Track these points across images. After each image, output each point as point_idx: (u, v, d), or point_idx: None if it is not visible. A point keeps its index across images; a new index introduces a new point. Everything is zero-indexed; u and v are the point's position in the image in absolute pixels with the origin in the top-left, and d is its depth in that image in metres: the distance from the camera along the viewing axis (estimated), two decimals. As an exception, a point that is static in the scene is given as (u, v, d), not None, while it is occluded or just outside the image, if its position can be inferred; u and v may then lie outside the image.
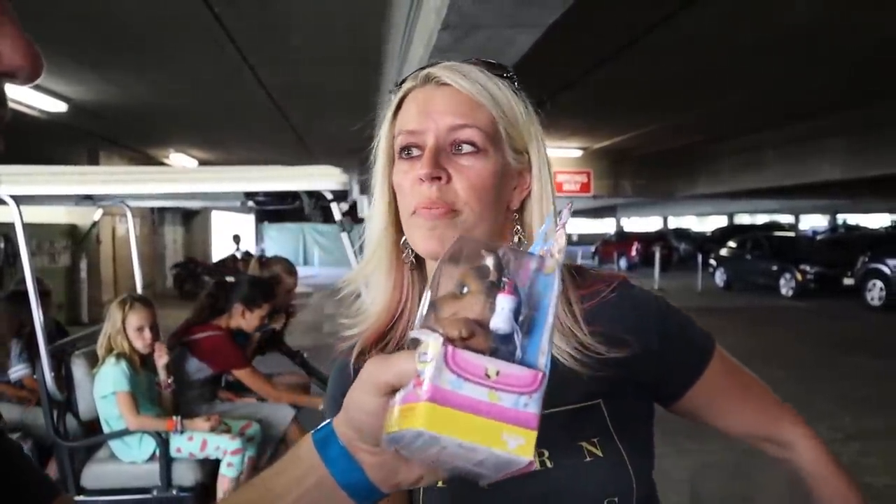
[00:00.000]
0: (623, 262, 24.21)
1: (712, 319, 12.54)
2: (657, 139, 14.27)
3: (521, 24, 3.43)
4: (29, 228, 3.17)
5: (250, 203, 3.37)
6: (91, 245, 12.08)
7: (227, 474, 3.18)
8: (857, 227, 32.50)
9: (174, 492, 3.18)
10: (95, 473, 3.22)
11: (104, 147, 12.93)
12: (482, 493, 0.84)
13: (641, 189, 18.28)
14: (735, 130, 13.32)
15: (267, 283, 3.85)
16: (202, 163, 16.35)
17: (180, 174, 4.39)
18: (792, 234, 24.05)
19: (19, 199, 3.09)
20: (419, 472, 0.61)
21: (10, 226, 3.12)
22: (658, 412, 0.97)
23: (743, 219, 39.13)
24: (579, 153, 16.20)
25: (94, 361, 3.26)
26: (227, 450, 3.19)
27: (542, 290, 0.56)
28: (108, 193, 3.48)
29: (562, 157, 15.84)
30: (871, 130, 12.46)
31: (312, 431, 0.65)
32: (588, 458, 0.84)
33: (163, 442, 3.14)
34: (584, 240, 33.98)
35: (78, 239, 11.64)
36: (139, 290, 4.08)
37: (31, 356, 3.78)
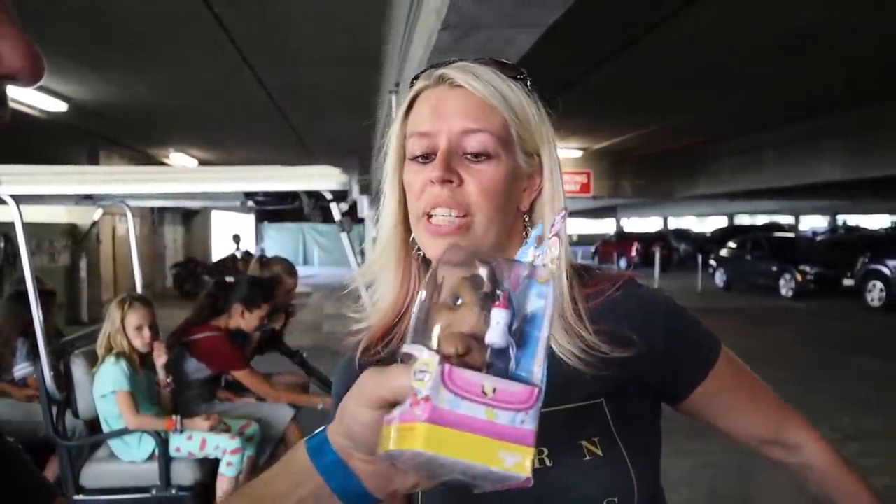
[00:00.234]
0: (623, 263, 24.22)
1: (712, 320, 12.41)
2: (657, 140, 14.27)
3: (521, 24, 3.43)
4: (29, 228, 3.17)
5: (250, 203, 3.37)
6: (91, 244, 12.08)
7: (226, 473, 3.18)
8: (857, 228, 32.47)
9: (173, 491, 3.18)
10: (95, 472, 3.22)
11: (104, 147, 12.94)
12: (482, 492, 0.84)
13: (641, 189, 18.29)
14: (735, 131, 13.32)
15: (266, 283, 3.85)
16: (202, 162, 16.35)
17: (180, 174, 4.40)
18: (792, 234, 24.07)
19: (19, 199, 3.09)
20: (415, 480, 0.61)
21: (10, 225, 3.12)
22: (663, 411, 0.96)
23: (743, 219, 39.13)
24: (579, 153, 16.21)
25: (93, 361, 3.26)
26: (226, 449, 3.19)
27: (536, 300, 0.55)
28: (107, 193, 3.49)
29: (562, 157, 15.51)
30: (871, 131, 12.46)
31: (306, 438, 0.65)
32: (588, 458, 0.84)
33: (162, 441, 3.14)
34: (584, 240, 33.95)
35: (78, 238, 11.64)
36: (139, 289, 4.09)
37: (35, 355, 3.78)
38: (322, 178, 3.06)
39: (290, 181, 3.13)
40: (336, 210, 3.12)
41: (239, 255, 15.34)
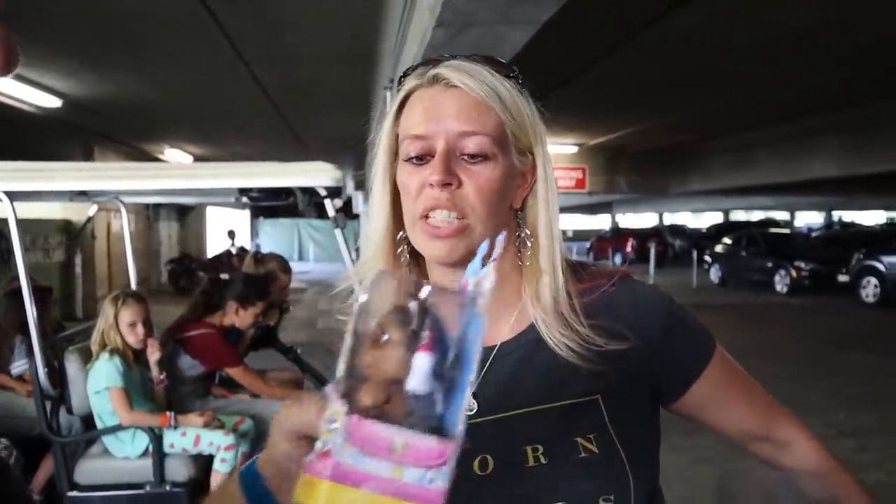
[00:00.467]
0: (618, 259, 24.24)
1: (707, 316, 12.45)
2: (652, 136, 14.29)
3: (516, 21, 3.42)
4: (23, 224, 3.16)
5: (244, 199, 3.36)
6: (86, 241, 12.04)
7: (220, 470, 3.18)
8: (852, 224, 32.62)
9: (167, 487, 3.18)
10: (88, 469, 3.22)
11: (99, 143, 12.89)
12: (475, 489, 0.84)
13: (637, 185, 18.30)
14: (730, 128, 13.34)
15: (261, 280, 3.84)
16: (197, 158, 16.31)
17: (174, 170, 4.39)
18: (787, 230, 24.13)
19: (13, 196, 3.08)
20: None
21: (4, 222, 3.12)
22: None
23: (738, 215, 39.24)
24: (575, 149, 16.21)
25: (87, 357, 3.25)
26: (220, 445, 3.19)
27: (469, 333, 0.52)
28: (102, 189, 3.48)
29: (557, 153, 15.84)
30: (865, 129, 12.50)
31: (242, 467, 0.64)
32: (583, 455, 0.83)
33: (156, 438, 3.14)
34: (579, 236, 34.02)
35: (72, 235, 11.60)
36: (133, 285, 4.08)
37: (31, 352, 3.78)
38: (316, 174, 3.06)
39: (284, 177, 3.12)
40: (330, 206, 3.12)
41: (234, 251, 15.34)
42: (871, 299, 13.31)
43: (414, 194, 0.85)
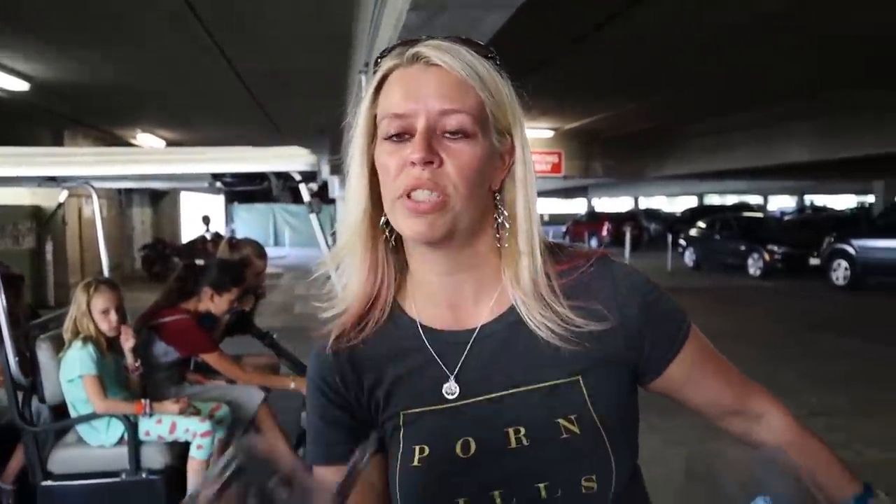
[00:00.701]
0: (594, 242, 24.38)
1: (682, 298, 12.52)
2: (628, 120, 14.33)
3: (492, 4, 3.41)
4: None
5: (218, 184, 3.32)
6: (56, 227, 11.85)
7: (196, 457, 3.16)
8: (823, 209, 33.09)
9: (143, 475, 3.16)
10: (63, 458, 3.18)
11: (68, 127, 12.66)
12: (458, 471, 0.84)
13: (612, 170, 18.37)
14: (704, 113, 13.42)
15: (236, 266, 3.81)
16: (170, 143, 16.10)
17: (146, 155, 4.32)
18: (760, 214, 24.40)
19: (-21, 180, 3.02)
20: None
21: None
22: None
23: (712, 199, 39.61)
24: (550, 134, 16.22)
25: (59, 345, 3.21)
26: (196, 432, 3.17)
27: None
28: (72, 175, 3.42)
29: (533, 137, 15.83)
30: (838, 114, 12.65)
31: None
32: (565, 436, 0.84)
33: (131, 425, 3.12)
34: (555, 220, 34.14)
35: (43, 221, 11.41)
36: (106, 272, 4.02)
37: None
38: (290, 158, 3.03)
39: (258, 162, 3.09)
40: (305, 191, 3.09)
41: (208, 236, 15.21)
42: (841, 282, 13.52)
43: (394, 174, 0.84)
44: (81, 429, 3.20)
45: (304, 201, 3.12)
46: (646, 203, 42.43)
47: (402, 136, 0.84)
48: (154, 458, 3.18)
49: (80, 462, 3.19)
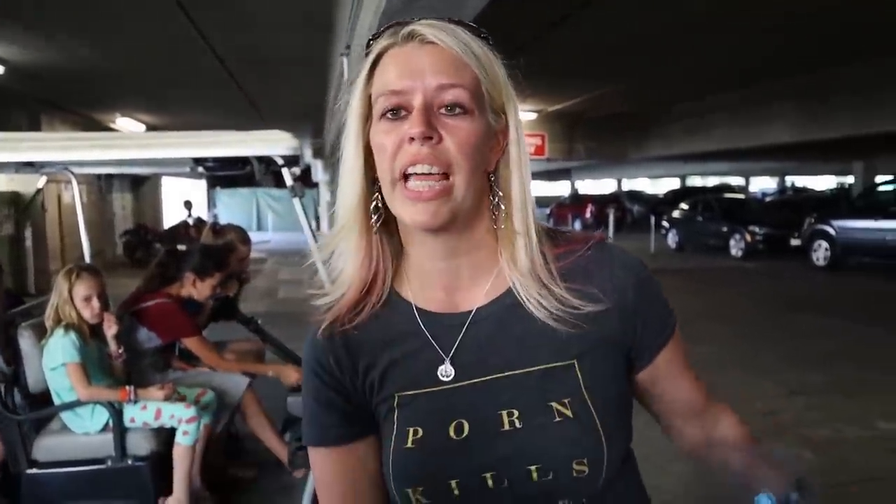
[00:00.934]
0: (577, 225, 24.46)
1: (665, 280, 12.64)
2: (610, 102, 14.35)
3: (474, -14, 3.39)
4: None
5: (199, 169, 3.29)
6: (36, 213, 11.71)
7: (182, 442, 3.16)
8: (804, 190, 33.37)
9: (129, 461, 3.15)
10: (47, 446, 3.17)
11: (46, 111, 12.49)
12: (451, 453, 0.85)
13: (595, 152, 18.39)
14: (686, 94, 13.47)
15: (218, 251, 3.79)
16: (150, 128, 15.93)
17: (126, 140, 4.27)
18: (742, 196, 24.56)
19: (-44, 167, 2.97)
20: None
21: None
22: None
23: (695, 181, 39.77)
24: (533, 116, 16.21)
25: (41, 333, 3.18)
26: (182, 418, 3.16)
27: None
28: (50, 160, 3.37)
29: (517, 120, 15.76)
30: (819, 96, 12.70)
31: None
32: (558, 419, 0.84)
33: (116, 412, 3.10)
34: (538, 202, 33.60)
35: (21, 207, 11.26)
36: (87, 258, 3.99)
37: None
38: (273, 143, 3.00)
39: (240, 146, 3.06)
40: (288, 175, 3.07)
41: (191, 221, 15.07)
42: (821, 262, 13.66)
43: (391, 152, 0.83)
44: (66, 416, 3.18)
45: (286, 186, 3.10)
46: (629, 185, 42.51)
47: (398, 113, 0.83)
48: (139, 445, 3.17)
49: (64, 449, 3.18)
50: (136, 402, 3.12)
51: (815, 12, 7.34)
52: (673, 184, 39.60)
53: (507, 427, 0.85)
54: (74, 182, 4.05)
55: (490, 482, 0.84)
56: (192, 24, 7.23)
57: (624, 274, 0.91)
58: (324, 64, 9.19)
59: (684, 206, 18.83)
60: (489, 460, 0.84)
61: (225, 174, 3.45)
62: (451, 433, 0.86)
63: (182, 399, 3.26)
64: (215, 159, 3.17)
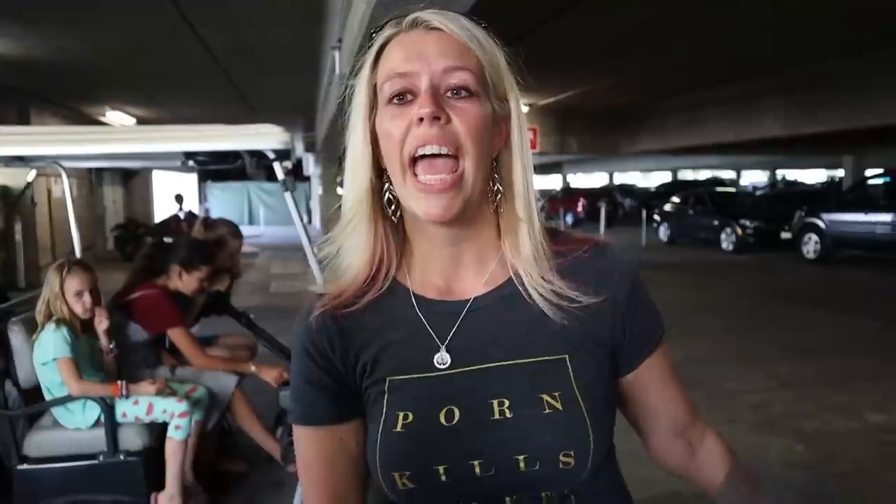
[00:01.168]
0: (569, 218, 24.50)
1: (657, 273, 12.83)
2: (603, 96, 14.35)
3: (467, -22, 3.38)
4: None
5: (190, 163, 3.27)
6: (26, 207, 11.64)
7: (175, 437, 3.15)
8: (795, 183, 33.49)
9: (121, 456, 3.14)
10: (39, 441, 3.16)
11: (35, 105, 12.40)
12: (440, 439, 0.86)
13: (587, 145, 18.42)
14: (680, 87, 13.47)
15: (205, 244, 3.77)
16: (140, 121, 15.84)
17: (116, 133, 4.24)
18: (733, 189, 24.64)
19: (-56, 161, 2.95)
20: None
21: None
22: None
23: (686, 174, 39.87)
24: (525, 109, 16.19)
25: (32, 328, 3.17)
26: (174, 413, 3.15)
27: None
28: (40, 154, 3.35)
29: (509, 113, 15.75)
30: (810, 89, 12.75)
31: None
32: (547, 411, 0.85)
33: (108, 407, 3.09)
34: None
35: (10, 201, 11.19)
36: (78, 253, 3.97)
37: None
38: (264, 137, 2.99)
39: (231, 140, 3.05)
40: (279, 169, 3.06)
41: (182, 215, 15.02)
42: (811, 255, 13.72)
43: (400, 137, 0.83)
44: (57, 412, 3.17)
45: (278, 179, 3.09)
46: (620, 179, 42.61)
47: (404, 97, 0.84)
48: (132, 440, 3.16)
49: (56, 445, 3.17)
50: (127, 396, 3.12)
51: (805, 7, 7.36)
52: (664, 177, 39.74)
53: (497, 416, 0.85)
54: (64, 176, 4.03)
55: (477, 469, 0.84)
56: (182, 16, 7.19)
57: (619, 279, 0.93)
58: (315, 57, 9.16)
59: (676, 199, 18.87)
60: (478, 448, 0.85)
61: (216, 168, 3.44)
62: (442, 419, 0.86)
63: (173, 394, 3.25)
64: (207, 153, 3.15)
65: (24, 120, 11.94)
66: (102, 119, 15.15)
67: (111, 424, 3.11)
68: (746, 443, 4.30)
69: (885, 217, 12.14)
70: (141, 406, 3.15)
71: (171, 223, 14.86)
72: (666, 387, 0.98)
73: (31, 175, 4.55)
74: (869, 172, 17.73)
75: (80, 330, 3.17)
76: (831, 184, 29.58)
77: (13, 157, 3.30)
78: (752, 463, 0.93)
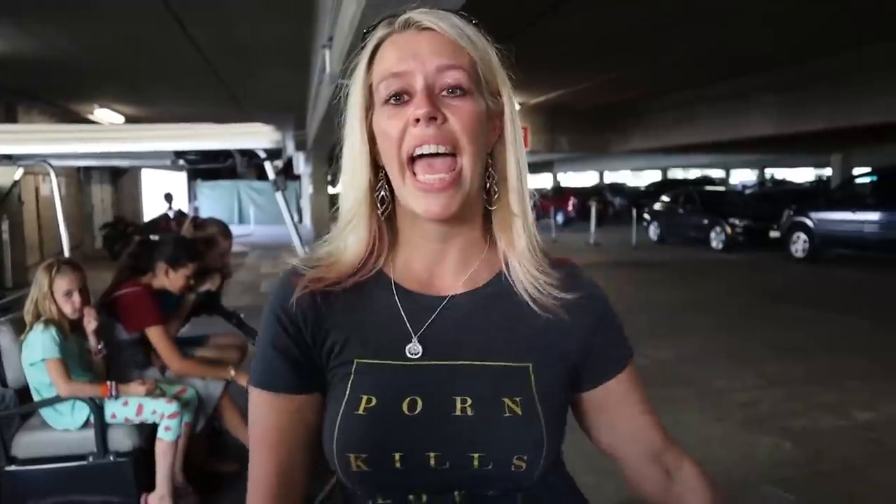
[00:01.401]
0: (560, 217, 24.53)
1: (647, 272, 12.90)
2: (593, 94, 14.40)
3: (457, -22, 3.38)
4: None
5: (181, 162, 3.26)
6: (13, 206, 11.55)
7: (164, 438, 3.13)
8: (783, 182, 33.68)
9: (111, 458, 3.12)
10: (27, 442, 3.13)
11: (22, 103, 12.31)
12: (400, 427, 0.87)
13: (578, 144, 18.48)
14: (670, 86, 13.53)
15: (191, 241, 3.74)
16: (129, 119, 15.75)
17: (106, 132, 4.22)
18: (722, 188, 24.74)
19: (-69, 160, 2.92)
20: None
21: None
22: None
23: (676, 173, 40.03)
24: (516, 108, 16.22)
25: (20, 328, 3.14)
26: (164, 413, 3.13)
27: None
28: (28, 153, 3.33)
29: (499, 112, 15.77)
30: (799, 88, 12.82)
31: None
32: (507, 414, 0.87)
33: (97, 408, 3.07)
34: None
35: (-2, 200, 11.10)
36: (66, 252, 3.94)
37: None
38: (255, 136, 2.99)
39: (222, 139, 3.04)
40: (270, 169, 3.06)
41: (171, 214, 14.95)
42: (800, 254, 13.80)
43: (397, 137, 0.85)
44: (46, 413, 3.14)
45: (268, 178, 3.09)
46: (611, 177, 42.73)
47: (400, 98, 0.85)
48: (121, 441, 3.14)
49: (45, 446, 3.14)
50: (117, 397, 3.10)
51: (795, 6, 7.40)
52: (654, 176, 39.88)
53: (458, 412, 0.87)
54: (53, 174, 3.99)
55: (432, 461, 0.86)
56: (172, 14, 7.16)
57: (588, 302, 0.96)
58: (305, 56, 9.14)
59: (665, 198, 18.93)
60: (436, 441, 0.86)
61: (207, 167, 3.43)
62: (405, 408, 0.87)
63: (163, 395, 3.23)
64: (197, 152, 3.15)
65: (11, 118, 11.85)
66: (91, 117, 15.06)
67: (101, 425, 3.09)
68: (735, 441, 4.32)
69: (873, 216, 12.21)
70: (130, 407, 3.13)
71: (161, 222, 14.78)
72: (635, 407, 0.99)
73: (18, 173, 4.51)
74: (857, 171, 17.85)
75: (69, 330, 3.14)
76: (819, 182, 29.77)
77: (1, 155, 3.28)
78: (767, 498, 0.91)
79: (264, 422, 0.92)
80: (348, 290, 0.93)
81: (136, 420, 3.15)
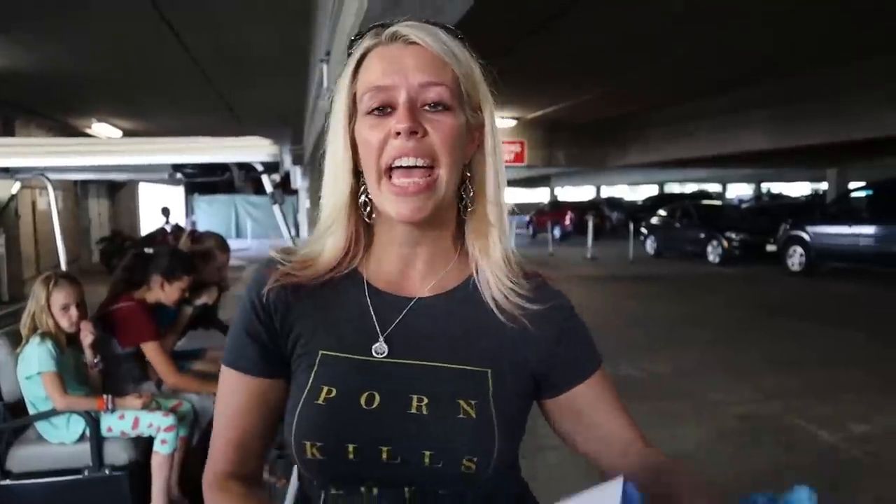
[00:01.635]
0: (557, 231, 24.57)
1: (644, 286, 12.91)
2: (590, 109, 14.44)
3: (454, -8, 3.40)
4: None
5: (178, 175, 3.27)
6: (10, 220, 11.55)
7: (161, 451, 3.12)
8: (780, 196, 33.80)
9: (107, 471, 3.10)
10: (22, 456, 3.11)
11: (20, 116, 12.33)
12: (356, 420, 0.89)
13: (575, 159, 18.51)
14: (666, 101, 13.58)
15: (186, 254, 3.74)
16: (127, 133, 15.78)
17: (103, 146, 4.22)
18: (719, 202, 24.80)
19: (-71, 173, 2.93)
20: None
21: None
22: None
23: (673, 187, 40.14)
24: (513, 123, 16.28)
25: (16, 341, 3.14)
26: (160, 427, 3.12)
27: None
28: (25, 166, 3.33)
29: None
30: (794, 102, 12.89)
31: None
32: (461, 416, 0.89)
33: (93, 422, 3.06)
34: (518, 209, 34.21)
35: (-5, 213, 11.09)
36: (63, 266, 3.94)
37: None
38: (253, 149, 3.00)
39: (219, 153, 3.05)
40: (267, 182, 3.06)
41: (168, 228, 14.94)
42: (796, 268, 13.83)
43: (377, 147, 0.88)
44: (41, 426, 3.13)
45: (266, 192, 3.09)
46: (608, 192, 42.84)
47: (383, 110, 0.88)
48: (117, 454, 3.13)
49: (40, 460, 3.12)
50: (113, 410, 3.09)
51: (790, 20, 7.45)
52: (651, 190, 39.99)
53: (414, 410, 0.89)
54: (50, 188, 4.00)
55: (385, 455, 0.88)
56: (169, 27, 7.19)
57: (554, 314, 0.98)
58: (303, 69, 9.17)
59: (662, 212, 18.97)
60: (389, 436, 0.88)
61: (204, 181, 3.43)
62: (362, 402, 0.90)
63: (159, 408, 3.22)
64: (195, 166, 3.15)
65: (8, 132, 11.87)
66: (89, 131, 15.08)
67: (96, 439, 3.08)
68: (732, 454, 4.32)
69: (869, 229, 12.25)
70: (127, 420, 3.12)
71: (158, 236, 14.76)
72: (608, 415, 0.98)
73: (15, 187, 4.52)
74: (852, 185, 17.91)
75: (66, 343, 3.14)
76: (815, 197, 29.86)
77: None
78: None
79: (230, 397, 0.96)
80: (322, 285, 0.96)
81: (133, 433, 3.13)
